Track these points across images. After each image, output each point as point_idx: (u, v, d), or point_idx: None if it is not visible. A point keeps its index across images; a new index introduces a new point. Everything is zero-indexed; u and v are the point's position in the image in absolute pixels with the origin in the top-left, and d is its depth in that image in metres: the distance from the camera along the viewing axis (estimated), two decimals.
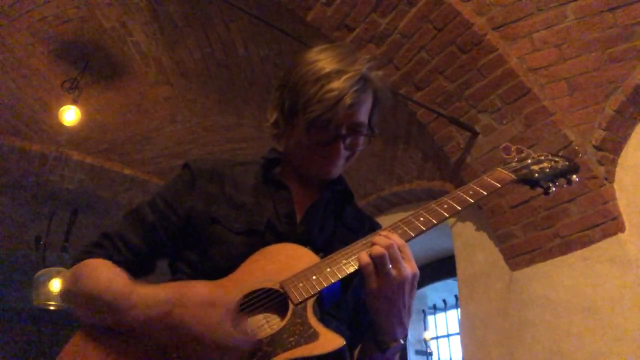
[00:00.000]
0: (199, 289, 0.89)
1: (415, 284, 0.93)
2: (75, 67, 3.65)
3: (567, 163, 1.15)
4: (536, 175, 1.11)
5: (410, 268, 0.91)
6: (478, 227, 3.40)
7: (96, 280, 0.94)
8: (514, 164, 1.15)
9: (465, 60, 2.66)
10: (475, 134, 2.84)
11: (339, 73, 1.00)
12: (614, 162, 2.58)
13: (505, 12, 2.53)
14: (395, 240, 0.91)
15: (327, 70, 1.01)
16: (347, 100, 0.98)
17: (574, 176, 1.14)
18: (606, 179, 2.55)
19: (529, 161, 1.15)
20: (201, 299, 0.86)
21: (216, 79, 3.71)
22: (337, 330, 0.89)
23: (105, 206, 4.99)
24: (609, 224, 2.51)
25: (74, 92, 3.64)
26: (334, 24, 2.73)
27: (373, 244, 0.92)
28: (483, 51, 2.59)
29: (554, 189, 1.11)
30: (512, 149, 1.20)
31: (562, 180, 1.13)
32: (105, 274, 0.95)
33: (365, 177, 4.03)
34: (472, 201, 1.01)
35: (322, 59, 1.03)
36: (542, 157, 1.16)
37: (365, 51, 2.81)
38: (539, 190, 1.12)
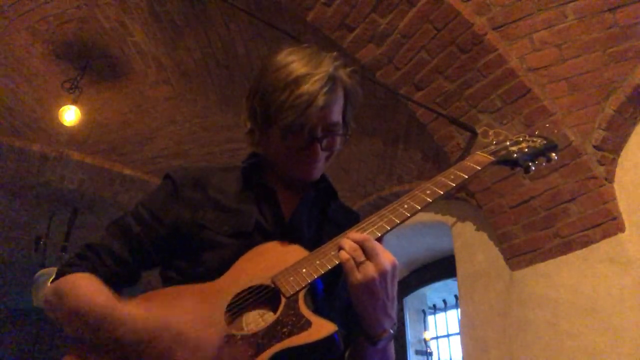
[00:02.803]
0: (184, 308, 0.90)
1: (396, 273, 0.94)
2: (75, 67, 3.65)
3: (545, 142, 1.16)
4: (515, 155, 1.12)
5: (388, 259, 0.92)
6: (478, 227, 3.40)
7: (77, 298, 0.93)
8: (492, 146, 1.16)
9: (465, 60, 2.66)
10: (475, 134, 2.84)
11: (306, 76, 1.00)
12: (614, 162, 2.58)
13: (505, 12, 2.53)
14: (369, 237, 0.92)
15: (295, 75, 1.01)
16: (319, 102, 0.99)
17: (553, 154, 1.15)
18: (606, 179, 2.55)
19: (508, 143, 1.16)
20: (186, 320, 0.87)
21: (216, 79, 3.71)
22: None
23: (105, 206, 5.00)
24: (609, 224, 2.51)
25: (74, 92, 3.64)
26: (334, 24, 2.73)
27: (346, 238, 0.93)
28: (483, 51, 2.59)
29: (533, 167, 1.12)
30: (490, 133, 1.21)
31: (542, 159, 1.14)
32: (85, 291, 0.95)
33: (365, 177, 4.03)
34: (454, 185, 1.02)
35: (289, 64, 1.04)
36: (521, 138, 1.17)
37: (365, 51, 2.81)
38: (520, 170, 1.13)
